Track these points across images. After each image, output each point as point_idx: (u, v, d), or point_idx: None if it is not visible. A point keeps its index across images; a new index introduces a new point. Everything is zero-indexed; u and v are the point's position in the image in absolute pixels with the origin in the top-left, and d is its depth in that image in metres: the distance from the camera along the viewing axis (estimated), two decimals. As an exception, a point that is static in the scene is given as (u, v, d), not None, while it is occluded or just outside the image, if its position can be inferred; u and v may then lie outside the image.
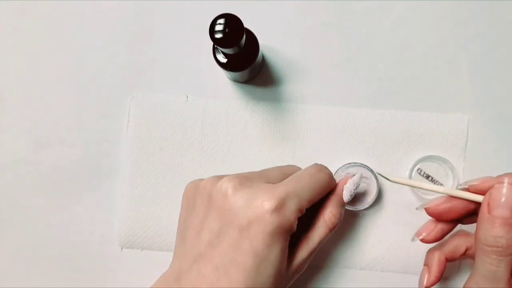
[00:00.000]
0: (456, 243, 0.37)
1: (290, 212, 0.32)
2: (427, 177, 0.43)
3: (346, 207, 0.42)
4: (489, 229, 0.31)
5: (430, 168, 0.43)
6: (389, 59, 0.44)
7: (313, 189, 0.34)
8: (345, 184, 0.38)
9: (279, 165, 0.40)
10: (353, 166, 0.42)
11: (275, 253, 0.31)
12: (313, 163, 0.38)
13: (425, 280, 0.37)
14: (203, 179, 0.35)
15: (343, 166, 0.43)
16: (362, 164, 0.42)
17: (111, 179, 0.45)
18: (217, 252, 0.32)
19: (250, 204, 0.31)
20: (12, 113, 0.46)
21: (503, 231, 0.31)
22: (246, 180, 0.33)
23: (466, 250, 0.36)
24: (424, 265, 0.38)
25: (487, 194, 0.33)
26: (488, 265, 0.32)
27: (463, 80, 0.44)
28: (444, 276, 0.39)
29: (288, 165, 0.39)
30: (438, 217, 0.36)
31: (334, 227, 0.36)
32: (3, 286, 0.45)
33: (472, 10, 0.44)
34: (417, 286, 0.40)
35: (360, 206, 0.42)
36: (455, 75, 0.44)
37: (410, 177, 0.43)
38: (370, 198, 0.42)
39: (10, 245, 0.46)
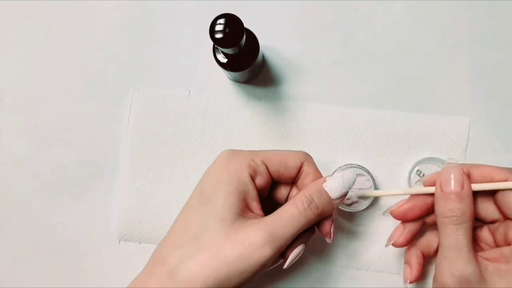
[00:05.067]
0: (429, 238, 0.40)
1: (272, 255, 0.32)
2: (427, 178, 0.43)
3: (344, 209, 0.42)
4: (444, 203, 0.35)
5: (429, 170, 0.43)
6: (390, 59, 0.44)
7: (293, 231, 0.33)
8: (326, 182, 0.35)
9: None
10: (349, 167, 0.42)
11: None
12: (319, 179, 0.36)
13: (409, 275, 0.39)
14: None
15: (339, 168, 0.43)
16: (359, 166, 0.42)
17: (111, 179, 0.45)
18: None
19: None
20: (12, 113, 0.46)
21: (456, 202, 0.34)
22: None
23: (438, 246, 0.37)
24: (405, 263, 0.40)
25: (437, 176, 0.36)
26: (448, 235, 0.34)
27: (464, 82, 0.44)
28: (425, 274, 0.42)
29: (293, 152, 0.37)
30: (403, 218, 0.38)
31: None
32: (3, 286, 0.45)
33: (472, 10, 0.44)
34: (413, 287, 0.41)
35: (357, 208, 0.42)
36: (456, 76, 0.44)
37: (409, 178, 0.43)
38: (367, 200, 0.42)
39: (10, 245, 0.46)
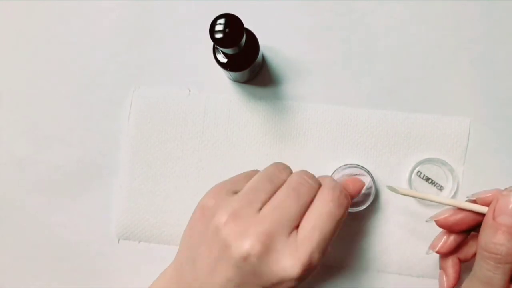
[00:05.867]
0: (470, 243, 0.37)
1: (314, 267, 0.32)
2: (427, 179, 0.43)
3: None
4: (491, 235, 0.31)
5: (429, 170, 0.43)
6: (390, 59, 0.44)
7: (334, 233, 0.33)
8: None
9: (279, 161, 0.38)
10: (350, 167, 0.42)
11: None
12: (327, 174, 0.37)
13: (445, 283, 0.37)
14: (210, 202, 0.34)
15: (339, 168, 0.43)
16: (360, 166, 0.42)
17: (111, 179, 0.45)
18: None
19: (274, 267, 0.31)
20: (12, 112, 0.46)
21: (505, 238, 0.31)
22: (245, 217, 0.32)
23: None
24: (440, 268, 0.38)
25: (494, 200, 0.32)
26: (485, 270, 0.31)
27: (464, 82, 0.44)
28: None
29: (254, 170, 0.37)
30: (448, 229, 0.36)
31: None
32: (3, 286, 0.45)
33: (473, 10, 0.44)
34: (412, 287, 0.41)
35: (357, 208, 0.42)
36: (456, 76, 0.44)
37: (409, 179, 0.43)
38: (368, 200, 0.42)
39: (10, 245, 0.46)
